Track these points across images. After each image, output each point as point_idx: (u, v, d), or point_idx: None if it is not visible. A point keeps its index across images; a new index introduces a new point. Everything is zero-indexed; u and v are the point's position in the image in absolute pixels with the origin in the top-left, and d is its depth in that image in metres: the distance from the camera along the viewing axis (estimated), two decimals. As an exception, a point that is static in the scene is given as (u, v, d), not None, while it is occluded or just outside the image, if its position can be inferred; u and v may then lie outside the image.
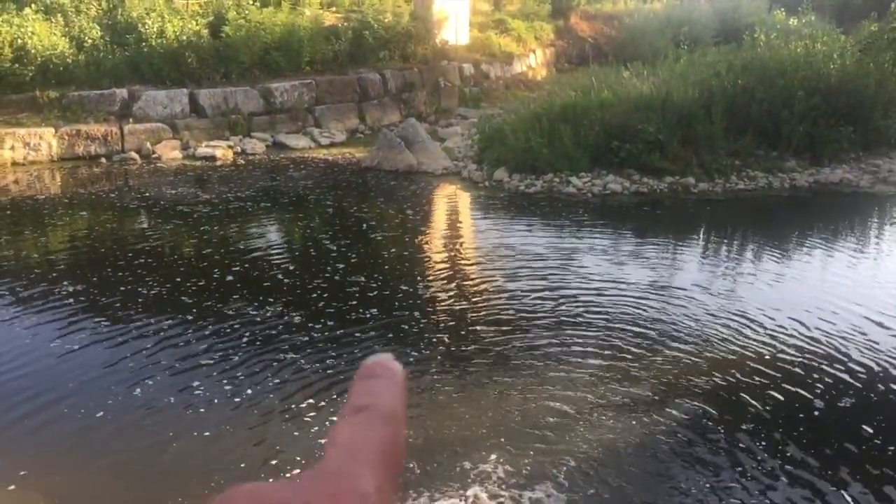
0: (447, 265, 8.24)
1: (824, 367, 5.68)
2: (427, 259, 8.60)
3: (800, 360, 5.80)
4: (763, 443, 4.64)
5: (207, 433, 4.74)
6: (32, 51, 14.77)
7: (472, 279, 7.81)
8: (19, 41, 14.71)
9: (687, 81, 13.41)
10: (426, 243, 9.23)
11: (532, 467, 4.37)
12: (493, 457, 4.47)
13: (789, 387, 5.34)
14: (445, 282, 7.64)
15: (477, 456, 4.48)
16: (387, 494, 0.35)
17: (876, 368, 5.68)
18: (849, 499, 4.14)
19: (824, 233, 9.76)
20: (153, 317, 6.64)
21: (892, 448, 4.62)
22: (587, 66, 20.88)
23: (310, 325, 6.47)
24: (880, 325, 6.50)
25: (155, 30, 16.12)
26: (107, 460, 4.51)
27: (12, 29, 14.73)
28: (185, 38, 16.21)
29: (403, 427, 0.39)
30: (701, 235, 9.74)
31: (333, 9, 22.20)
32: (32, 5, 15.98)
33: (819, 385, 5.39)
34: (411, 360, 5.80)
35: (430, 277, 7.83)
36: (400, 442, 0.38)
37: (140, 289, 7.31)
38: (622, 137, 11.98)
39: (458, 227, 10.36)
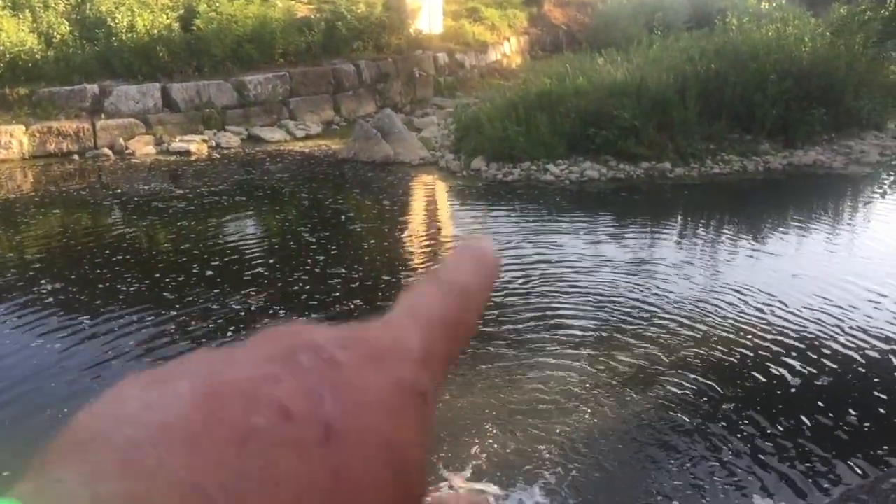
0: (428, 254, 8.25)
1: (802, 345, 5.76)
2: (408, 249, 8.60)
3: (780, 339, 5.87)
4: (746, 422, 4.70)
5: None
6: (0, 48, 14.54)
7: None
8: (-13, 38, 14.48)
9: (661, 67, 13.47)
10: (406, 233, 9.23)
11: (522, 453, 4.40)
12: (483, 443, 4.49)
13: (770, 366, 5.42)
14: (426, 271, 7.63)
15: (466, 441, 4.50)
16: (436, 365, 0.33)
17: (854, 346, 5.76)
18: (835, 476, 4.21)
19: (799, 214, 9.87)
20: (133, 314, 6.58)
21: (867, 425, 4.70)
22: (561, 54, 20.89)
23: (294, 317, 6.43)
24: (857, 302, 6.59)
25: (125, 24, 15.92)
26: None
27: (-21, 26, 14.50)
28: (155, 31, 16.02)
29: (476, 308, 0.37)
30: (678, 219, 9.81)
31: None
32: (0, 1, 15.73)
33: (798, 363, 5.46)
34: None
35: (412, 267, 7.83)
36: (467, 320, 0.36)
37: (118, 286, 7.25)
38: (598, 124, 12.03)
39: (436, 216, 10.36)
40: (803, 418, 4.77)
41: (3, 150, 13.38)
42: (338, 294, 6.98)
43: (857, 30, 14.78)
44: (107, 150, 13.99)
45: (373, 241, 8.71)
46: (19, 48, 14.77)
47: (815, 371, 5.37)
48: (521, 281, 7.25)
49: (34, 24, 15.63)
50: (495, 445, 4.52)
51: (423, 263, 7.93)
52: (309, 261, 7.94)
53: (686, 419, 4.76)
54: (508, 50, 25.11)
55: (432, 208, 10.88)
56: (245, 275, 7.56)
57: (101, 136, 14.25)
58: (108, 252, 8.33)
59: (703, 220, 9.84)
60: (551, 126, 12.16)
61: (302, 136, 15.78)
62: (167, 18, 16.57)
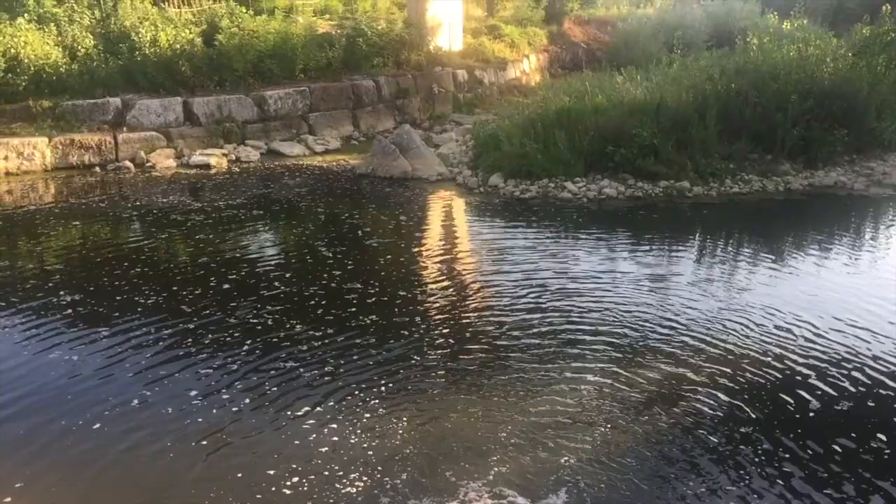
0: (444, 271, 8.22)
1: (825, 366, 5.68)
2: (424, 265, 8.58)
3: (798, 362, 5.80)
4: (759, 446, 4.64)
5: (204, 442, 4.72)
6: (26, 60, 14.75)
7: (470, 285, 7.80)
8: (12, 51, 14.69)
9: (680, 86, 13.44)
10: (422, 249, 9.22)
11: (532, 473, 4.36)
12: (494, 462, 4.45)
13: (787, 389, 5.34)
14: (443, 288, 7.62)
15: (477, 462, 4.47)
16: None
17: (878, 368, 5.68)
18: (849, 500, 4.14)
19: (820, 236, 9.77)
20: (150, 326, 6.61)
21: (888, 451, 4.61)
22: (581, 72, 20.90)
23: (309, 332, 6.44)
24: (880, 323, 6.50)
25: (148, 38, 16.12)
26: (101, 471, 4.48)
27: (5, 39, 14.71)
28: (178, 46, 16.21)
29: None
30: (697, 238, 9.74)
31: (327, 16, 22.23)
32: (25, 15, 15.95)
33: (816, 387, 5.39)
34: (411, 366, 5.78)
35: (428, 283, 7.81)
36: None
37: (136, 298, 7.28)
38: (617, 142, 11.99)
39: (453, 233, 10.35)
40: (826, 441, 4.69)
41: (26, 161, 13.53)
42: (353, 309, 6.97)
43: (880, 51, 14.70)
44: (128, 163, 14.12)
45: (389, 257, 8.70)
46: (44, 61, 14.98)
47: (837, 393, 5.30)
48: (538, 297, 7.22)
49: (59, 38, 15.85)
50: (515, 460, 4.48)
51: (438, 280, 7.91)
52: (325, 275, 7.95)
53: (706, 439, 4.69)
54: (528, 67, 25.15)
55: (449, 224, 10.87)
56: (261, 288, 7.57)
57: (122, 148, 14.39)
58: (126, 264, 8.38)
59: (722, 240, 9.76)
60: (569, 144, 12.14)
61: (321, 150, 15.85)
62: (190, 34, 16.76)
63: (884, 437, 4.76)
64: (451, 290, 7.59)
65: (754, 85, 12.81)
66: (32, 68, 14.83)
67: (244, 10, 18.40)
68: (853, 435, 4.78)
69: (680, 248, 9.23)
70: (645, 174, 11.74)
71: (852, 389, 5.38)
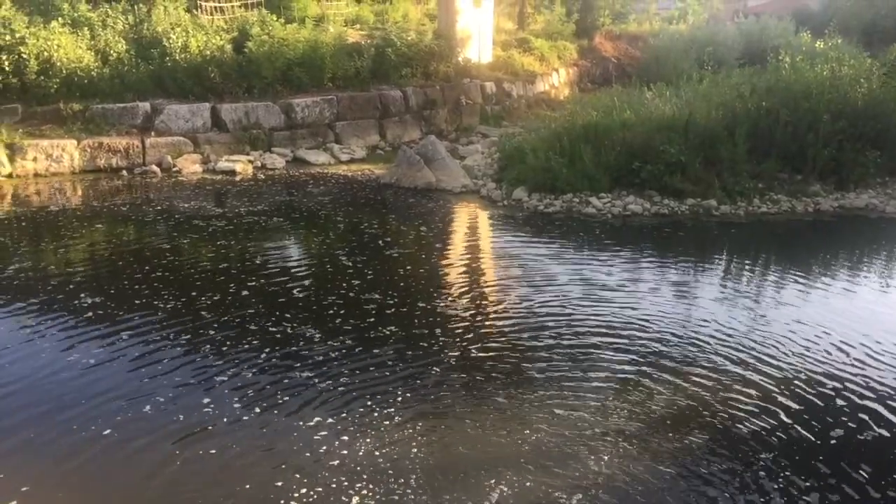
0: (464, 284, 8.14)
1: (850, 393, 5.52)
2: (444, 277, 8.51)
3: (827, 386, 5.64)
4: (777, 475, 4.49)
5: (213, 451, 4.66)
6: (58, 63, 14.94)
7: (490, 299, 7.72)
8: (45, 54, 14.89)
9: (710, 103, 13.29)
10: (443, 261, 9.15)
11: (548, 490, 4.25)
12: (510, 478, 4.35)
13: (809, 416, 5.19)
14: (463, 301, 7.54)
15: (492, 477, 4.37)
16: None
17: (903, 400, 5.51)
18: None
19: (850, 258, 9.57)
20: (168, 330, 6.60)
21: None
22: (610, 87, 20.79)
23: (327, 342, 6.39)
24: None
25: (179, 44, 16.27)
26: (111, 476, 4.44)
27: (39, 42, 14.90)
28: (208, 53, 16.35)
29: None
30: (724, 258, 9.57)
31: (357, 26, 22.32)
32: (59, 19, 16.16)
33: (840, 415, 5.23)
34: (429, 378, 5.71)
35: (448, 296, 7.73)
36: None
37: (156, 302, 7.29)
38: (644, 158, 11.87)
39: (475, 245, 10.28)
40: (848, 472, 4.54)
41: (55, 163, 13.68)
42: (372, 319, 6.92)
43: (915, 72, 14.44)
44: (154, 168, 14.23)
45: (409, 268, 8.64)
46: (76, 65, 15.16)
47: (862, 422, 5.13)
48: (559, 312, 7.12)
49: (92, 42, 16.04)
50: (531, 476, 4.39)
51: (458, 292, 7.83)
52: (345, 284, 7.90)
53: (724, 467, 4.55)
54: (557, 81, 25.09)
55: (471, 237, 10.80)
56: (280, 296, 7.54)
57: (149, 153, 14.51)
58: (147, 267, 8.40)
59: (749, 260, 9.58)
60: (595, 159, 12.04)
61: (346, 159, 15.87)
62: (220, 40, 16.89)
63: (912, 470, 4.59)
64: (471, 302, 7.51)
65: (785, 104, 12.62)
66: (64, 71, 15.01)
67: (275, 19, 18.52)
68: (878, 466, 4.62)
69: (705, 267, 9.08)
70: (671, 191, 11.60)
71: (882, 414, 5.22)
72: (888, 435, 5.02)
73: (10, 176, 13.23)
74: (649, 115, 13.03)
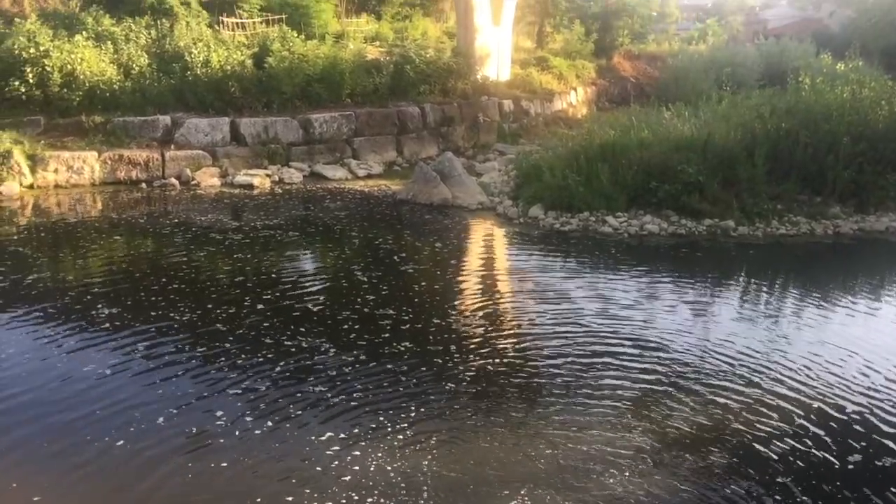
0: (479, 301, 8.12)
1: (868, 421, 5.43)
2: (459, 294, 8.49)
3: (842, 412, 5.55)
4: (796, 499, 4.42)
5: (224, 464, 4.65)
6: (81, 76, 15.13)
7: (505, 316, 7.68)
8: (69, 67, 15.08)
9: (729, 123, 13.22)
10: (458, 278, 9.13)
11: (557, 516, 4.21)
12: (517, 499, 4.31)
13: (830, 440, 5.11)
14: (477, 317, 7.52)
15: (500, 498, 4.33)
16: None
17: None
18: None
19: (870, 282, 9.47)
20: (184, 343, 6.62)
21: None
22: (628, 106, 20.79)
23: (341, 356, 6.38)
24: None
25: (201, 59, 16.44)
26: (121, 487, 4.44)
27: (63, 55, 15.10)
28: (229, 67, 16.50)
29: None
30: (741, 279, 9.49)
31: (377, 43, 22.49)
32: (83, 33, 16.38)
33: (861, 439, 5.14)
34: (442, 395, 5.68)
35: (463, 312, 7.71)
36: None
37: (172, 314, 7.31)
38: (661, 178, 11.81)
39: (491, 262, 10.26)
40: (870, 497, 4.46)
41: (75, 175, 13.82)
42: (387, 335, 6.90)
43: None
44: (173, 180, 14.34)
45: (424, 284, 8.63)
46: (99, 78, 15.34)
47: (883, 447, 5.04)
48: (574, 330, 7.07)
49: (115, 56, 16.23)
50: (544, 495, 4.34)
51: (473, 309, 7.81)
52: (359, 300, 7.90)
53: (743, 489, 4.48)
54: (575, 99, 25.11)
55: (486, 254, 10.78)
56: (295, 310, 7.55)
57: (169, 166, 14.62)
58: (164, 280, 8.44)
59: (766, 282, 9.50)
60: (612, 177, 12.00)
61: (363, 175, 15.92)
62: (241, 55, 17.04)
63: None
64: (486, 319, 7.48)
65: (805, 125, 12.54)
66: (87, 84, 15.20)
67: (296, 35, 18.69)
68: (887, 492, 4.54)
69: (723, 288, 9.01)
70: (689, 211, 11.53)
71: (894, 445, 5.13)
72: (908, 462, 4.93)
73: (31, 187, 13.38)
74: (667, 135, 12.99)
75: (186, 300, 7.75)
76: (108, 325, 7.02)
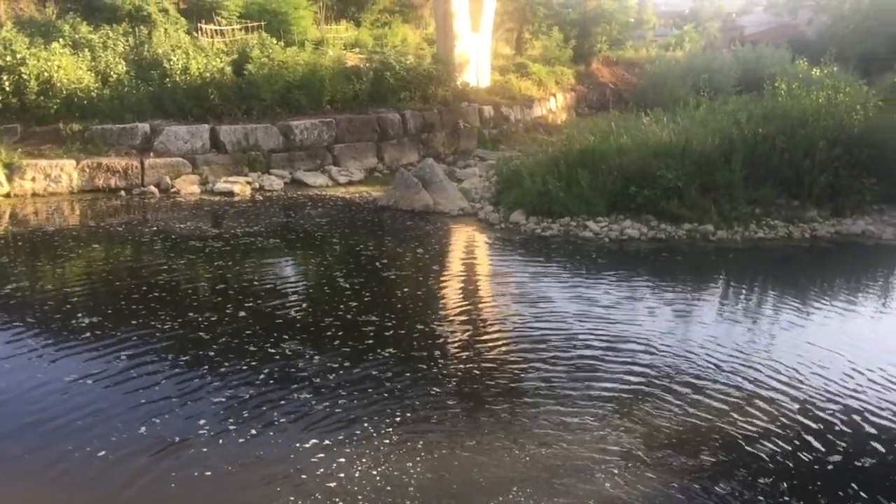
0: (462, 306, 8.14)
1: (846, 423, 5.50)
2: (442, 299, 8.50)
3: (824, 411, 5.62)
4: (781, 497, 4.46)
5: (209, 473, 4.63)
6: (58, 84, 15.02)
7: (488, 320, 7.71)
8: (46, 74, 14.96)
9: (707, 129, 13.35)
10: (441, 284, 9.15)
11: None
12: (503, 503, 4.33)
13: (811, 440, 5.17)
14: (460, 322, 7.53)
15: (486, 501, 4.35)
16: None
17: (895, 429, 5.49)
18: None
19: (846, 285, 9.58)
20: (166, 352, 6.58)
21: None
22: (607, 112, 20.93)
23: (325, 363, 6.37)
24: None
25: (179, 66, 16.36)
26: (104, 497, 4.40)
27: (39, 62, 14.98)
28: (208, 75, 16.43)
29: None
30: (720, 284, 9.58)
31: (357, 49, 22.49)
32: (60, 40, 16.26)
33: (834, 443, 5.20)
34: (427, 400, 5.68)
35: (445, 318, 7.72)
36: None
37: (153, 322, 7.26)
38: (640, 183, 11.91)
39: (473, 268, 10.28)
40: (856, 494, 4.51)
41: (53, 183, 13.69)
42: (370, 341, 6.90)
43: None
44: (153, 188, 14.25)
45: (406, 290, 8.64)
46: (76, 85, 15.24)
47: (852, 451, 5.10)
48: (556, 334, 7.10)
49: (92, 63, 16.13)
50: (530, 499, 4.35)
51: (456, 314, 7.82)
52: (342, 306, 7.89)
53: (726, 489, 4.53)
54: (554, 106, 25.24)
55: (468, 259, 10.81)
56: (278, 317, 7.52)
57: (148, 173, 14.53)
58: (144, 288, 8.39)
59: (745, 286, 9.60)
60: (592, 183, 12.08)
61: (344, 181, 15.91)
62: (221, 62, 16.98)
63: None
64: (469, 324, 7.50)
65: (782, 130, 12.69)
66: (64, 92, 15.09)
67: (275, 42, 18.65)
68: (866, 492, 4.60)
69: (702, 292, 9.08)
70: (668, 216, 11.63)
71: (873, 447, 5.19)
72: (887, 464, 5.00)
73: (8, 195, 13.24)
74: (646, 141, 13.09)
75: (167, 308, 7.70)
76: (88, 334, 6.96)
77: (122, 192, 14.04)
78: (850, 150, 12.28)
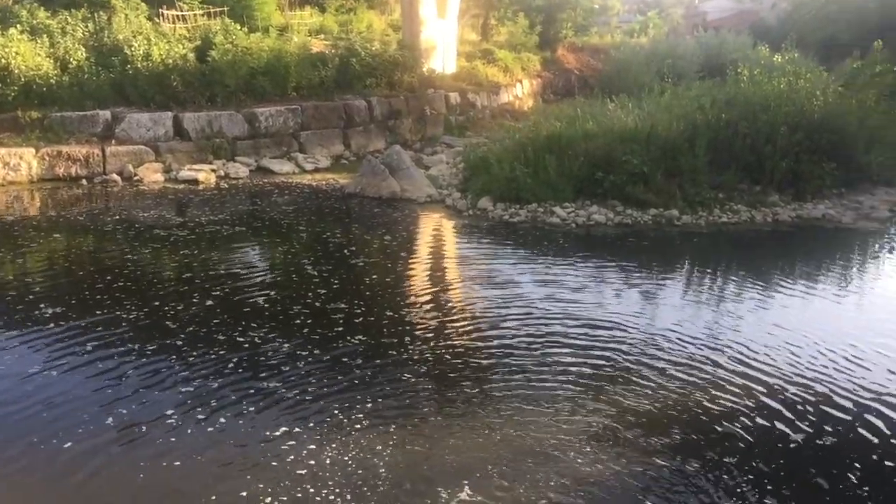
0: (431, 291, 8.15)
1: (807, 401, 5.62)
2: (410, 286, 8.51)
3: (786, 393, 5.73)
4: (745, 478, 4.56)
5: (178, 463, 4.60)
6: (16, 71, 14.71)
7: (457, 305, 7.73)
8: (3, 61, 14.66)
9: (671, 114, 13.48)
10: (409, 270, 9.15)
11: (515, 497, 4.26)
12: (475, 485, 4.36)
13: (771, 422, 5.28)
14: (429, 308, 7.54)
15: (458, 485, 4.37)
16: None
17: (859, 404, 5.62)
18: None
19: (807, 267, 9.76)
20: (130, 342, 6.50)
21: (867, 489, 4.55)
22: (573, 98, 21.01)
23: (294, 351, 6.34)
24: (864, 357, 6.45)
25: (141, 53, 16.10)
26: (71, 490, 4.36)
27: (-4, 49, 14.64)
28: (171, 61, 16.18)
29: None
30: (685, 268, 9.71)
31: (322, 36, 22.31)
32: (18, 26, 15.91)
33: (798, 421, 5.32)
34: (397, 387, 5.69)
35: (414, 304, 7.73)
36: None
37: (118, 312, 7.17)
38: (606, 168, 12.01)
39: (441, 254, 10.29)
40: (808, 475, 4.62)
41: (12, 171, 13.43)
42: (340, 329, 6.88)
43: (869, 85, 14.82)
44: (115, 177, 14.04)
45: (375, 277, 8.63)
46: (35, 72, 14.94)
47: (816, 429, 5.22)
48: (525, 319, 7.15)
49: (51, 50, 15.82)
50: (503, 483, 4.39)
51: (425, 301, 7.83)
52: (310, 294, 7.86)
53: (696, 467, 4.61)
54: (521, 92, 25.27)
55: (436, 246, 10.82)
56: (245, 306, 7.47)
57: (110, 161, 14.31)
58: (109, 278, 8.28)
59: (710, 269, 9.73)
60: (559, 169, 12.15)
61: (311, 169, 15.82)
62: (183, 49, 16.74)
63: (857, 475, 4.69)
64: (438, 309, 7.52)
65: (744, 116, 12.86)
66: (23, 79, 14.78)
67: (239, 28, 18.42)
68: (836, 470, 4.71)
69: (668, 276, 9.19)
70: (634, 201, 11.74)
71: (832, 424, 5.32)
72: (846, 442, 5.12)
73: (-35, 185, 12.97)
74: (611, 127, 13.18)
75: (132, 298, 7.61)
76: (51, 324, 6.86)
77: (84, 181, 13.82)
78: (810, 136, 12.49)
